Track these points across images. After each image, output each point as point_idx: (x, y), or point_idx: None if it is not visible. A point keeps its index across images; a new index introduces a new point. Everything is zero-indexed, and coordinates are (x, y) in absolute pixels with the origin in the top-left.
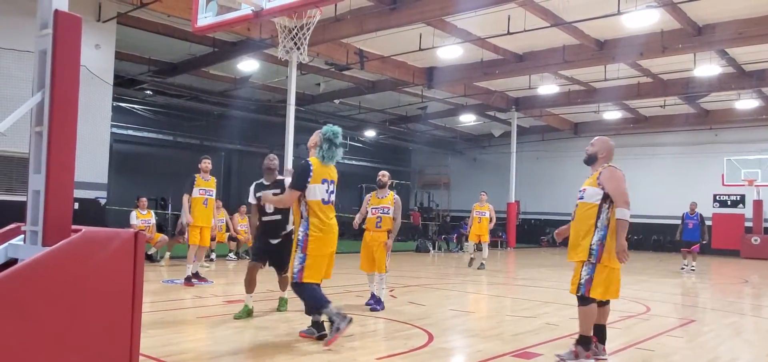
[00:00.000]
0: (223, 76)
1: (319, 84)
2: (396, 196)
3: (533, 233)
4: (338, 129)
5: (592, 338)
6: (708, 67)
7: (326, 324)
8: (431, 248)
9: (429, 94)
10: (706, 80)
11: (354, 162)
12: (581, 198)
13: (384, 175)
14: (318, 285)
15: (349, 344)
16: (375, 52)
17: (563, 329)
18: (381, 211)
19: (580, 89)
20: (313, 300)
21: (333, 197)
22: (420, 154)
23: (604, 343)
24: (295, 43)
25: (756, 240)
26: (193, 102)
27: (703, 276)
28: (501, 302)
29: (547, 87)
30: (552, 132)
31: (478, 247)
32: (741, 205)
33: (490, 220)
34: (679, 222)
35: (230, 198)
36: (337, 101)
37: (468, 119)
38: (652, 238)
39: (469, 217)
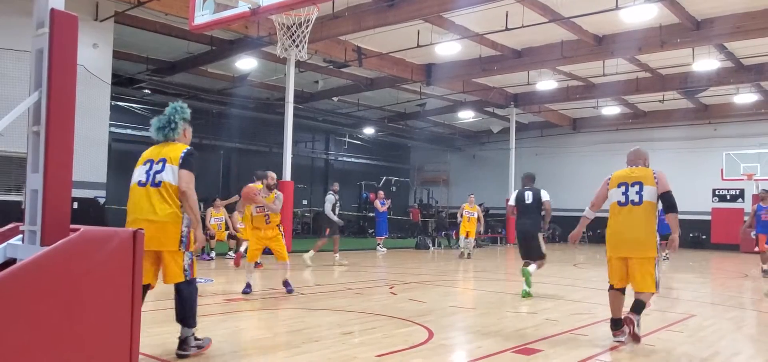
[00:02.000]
0: (221, 74)
1: (317, 81)
2: (278, 193)
3: None
4: (172, 106)
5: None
6: (706, 62)
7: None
8: (431, 245)
9: (427, 91)
10: (704, 75)
11: (353, 159)
12: (640, 199)
13: (272, 178)
14: None
15: (349, 341)
16: (373, 49)
17: (563, 324)
18: (267, 209)
19: (579, 84)
20: (194, 304)
21: (157, 177)
22: (419, 150)
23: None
24: (294, 41)
25: (754, 234)
26: (191, 100)
27: (702, 272)
28: (501, 298)
29: (546, 83)
30: (551, 128)
31: (467, 242)
32: (740, 200)
33: (478, 220)
34: (684, 217)
35: (230, 197)
36: (335, 99)
37: (467, 115)
38: None
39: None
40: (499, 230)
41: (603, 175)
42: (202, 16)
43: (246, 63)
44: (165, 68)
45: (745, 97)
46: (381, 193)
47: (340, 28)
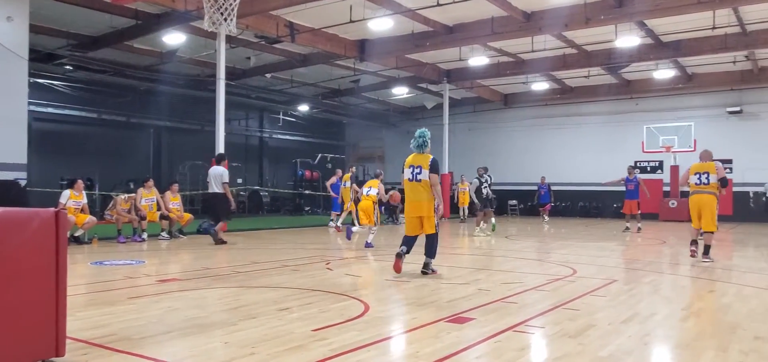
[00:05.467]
0: (148, 49)
1: (249, 58)
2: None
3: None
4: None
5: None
6: (628, 38)
7: None
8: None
9: (361, 67)
10: (626, 51)
11: (288, 137)
12: (707, 181)
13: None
14: None
15: (286, 317)
16: (306, 25)
17: (495, 294)
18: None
19: (509, 61)
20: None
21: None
22: (354, 127)
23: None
24: (222, 15)
25: (673, 203)
26: (117, 77)
27: (624, 239)
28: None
29: (477, 59)
30: (483, 103)
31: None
32: (660, 171)
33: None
34: (605, 188)
35: (161, 176)
36: (268, 75)
37: (401, 92)
38: (579, 205)
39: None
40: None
41: (534, 148)
42: None
43: (174, 38)
44: (87, 43)
45: (664, 72)
46: (339, 172)
47: (271, 3)
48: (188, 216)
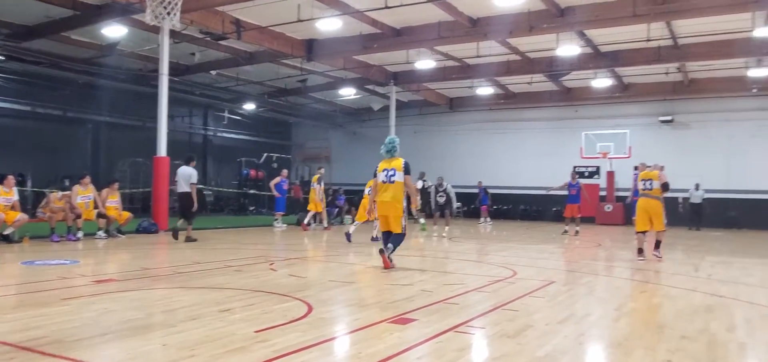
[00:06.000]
0: (87, 42)
1: (194, 54)
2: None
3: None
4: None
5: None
6: (569, 47)
7: None
8: (312, 221)
9: (308, 67)
10: (567, 59)
11: (233, 135)
12: (651, 187)
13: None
14: None
15: (228, 318)
16: (252, 22)
17: (438, 295)
18: None
19: (455, 65)
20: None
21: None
22: (301, 127)
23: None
24: (165, 8)
25: (609, 207)
26: (53, 69)
27: (563, 242)
28: (380, 272)
29: (424, 62)
30: (429, 106)
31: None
32: (597, 176)
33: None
34: (545, 192)
35: (99, 174)
36: (213, 72)
37: (348, 93)
38: (520, 208)
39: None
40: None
41: (478, 152)
42: None
43: (114, 30)
44: (21, 33)
45: (602, 81)
46: (284, 172)
47: None
48: (127, 214)
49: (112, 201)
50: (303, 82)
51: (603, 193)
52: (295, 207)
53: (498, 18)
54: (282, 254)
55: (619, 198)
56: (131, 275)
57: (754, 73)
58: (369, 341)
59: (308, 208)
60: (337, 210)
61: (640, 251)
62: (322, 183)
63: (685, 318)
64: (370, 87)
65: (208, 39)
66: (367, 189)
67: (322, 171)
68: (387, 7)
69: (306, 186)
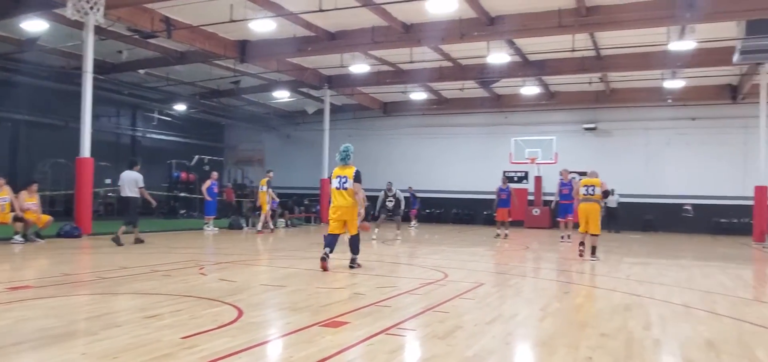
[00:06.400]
0: (4, 36)
1: (121, 52)
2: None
3: None
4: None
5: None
6: (499, 55)
7: None
8: (245, 225)
9: (242, 68)
10: (497, 67)
11: (163, 136)
12: (593, 192)
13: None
14: None
15: (153, 324)
16: (183, 21)
17: (370, 298)
18: None
19: (389, 70)
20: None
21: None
22: (233, 129)
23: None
24: (88, 3)
25: (537, 211)
26: None
27: (493, 245)
28: (313, 275)
29: (358, 66)
30: (363, 110)
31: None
32: (525, 181)
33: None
34: (477, 196)
35: (18, 175)
36: (142, 71)
37: (282, 95)
38: (452, 211)
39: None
40: (313, 209)
41: (412, 156)
42: None
43: (34, 25)
44: None
45: (530, 89)
46: (214, 174)
47: None
48: (47, 218)
49: (31, 203)
50: (236, 84)
51: (531, 198)
52: (228, 211)
53: (431, 24)
54: (213, 258)
55: (547, 203)
56: (50, 281)
57: (669, 84)
58: (300, 345)
59: (262, 211)
60: (270, 213)
61: (582, 244)
62: (269, 188)
63: (605, 317)
64: (304, 90)
65: (136, 37)
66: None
67: (272, 174)
68: (321, 11)
69: (239, 189)
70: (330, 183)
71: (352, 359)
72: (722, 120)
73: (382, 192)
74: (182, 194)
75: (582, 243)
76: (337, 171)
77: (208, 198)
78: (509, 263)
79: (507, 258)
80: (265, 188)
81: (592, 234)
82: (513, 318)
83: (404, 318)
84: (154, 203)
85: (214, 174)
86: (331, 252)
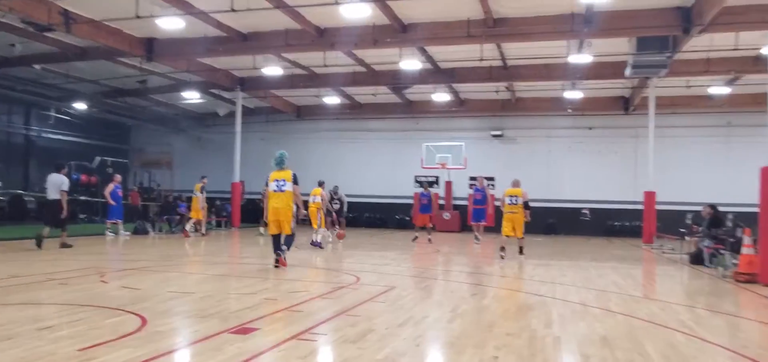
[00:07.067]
0: None
1: (14, 45)
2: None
3: (257, 213)
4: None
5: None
6: (411, 62)
7: None
8: (151, 229)
9: (149, 67)
10: (409, 73)
11: (61, 137)
12: (516, 202)
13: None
14: None
15: (48, 336)
16: (84, 15)
17: (281, 303)
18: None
19: (303, 73)
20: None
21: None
22: (140, 130)
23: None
24: None
25: (447, 215)
26: None
27: (404, 249)
28: (223, 281)
29: (272, 69)
30: (276, 114)
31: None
32: (436, 185)
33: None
34: (390, 200)
35: None
36: (38, 66)
37: (192, 96)
38: (365, 215)
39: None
40: (223, 213)
41: (326, 161)
42: None
43: None
44: None
45: (441, 95)
46: (117, 177)
47: None
48: None
49: None
50: (142, 83)
51: (442, 202)
52: (133, 215)
53: (344, 29)
54: (116, 265)
55: (457, 207)
56: None
57: (569, 94)
58: (207, 353)
59: (190, 215)
60: (177, 218)
61: (503, 249)
62: (204, 192)
63: (511, 317)
64: (215, 91)
65: (31, 29)
66: (311, 198)
67: (206, 180)
68: (233, 11)
69: (145, 192)
70: (267, 187)
71: None
72: (616, 129)
73: (328, 195)
74: (83, 198)
75: (503, 248)
76: (274, 175)
77: (111, 201)
78: (420, 266)
79: (418, 262)
80: (198, 194)
81: (519, 238)
82: (423, 320)
83: (316, 323)
84: (65, 211)
85: (118, 177)
86: (286, 249)
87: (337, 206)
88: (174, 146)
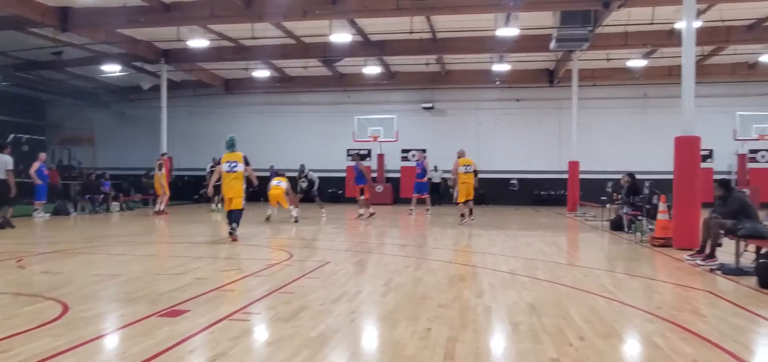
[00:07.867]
0: None
1: None
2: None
3: (187, 190)
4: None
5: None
6: (341, 35)
7: None
8: (73, 210)
9: (64, 38)
10: (340, 46)
11: None
12: (469, 170)
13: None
14: None
15: None
16: None
17: (213, 282)
18: None
19: (230, 46)
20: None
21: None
22: (57, 106)
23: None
24: None
25: (380, 188)
26: None
27: (337, 223)
28: (151, 262)
29: (197, 41)
30: (204, 87)
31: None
32: (368, 158)
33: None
34: (321, 174)
35: None
36: None
37: (112, 69)
38: (297, 190)
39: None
40: (150, 191)
41: (256, 136)
42: None
43: None
44: None
45: (372, 69)
46: (42, 156)
47: None
48: None
49: None
50: (58, 55)
51: (374, 175)
52: (53, 195)
53: (273, 0)
54: (35, 248)
55: (389, 180)
56: None
57: (497, 67)
58: (135, 338)
59: (157, 193)
60: (102, 196)
61: (463, 216)
62: (163, 170)
63: (443, 288)
64: (138, 64)
65: None
66: (275, 182)
67: (165, 158)
68: None
69: (64, 171)
70: (217, 166)
71: (193, 349)
72: (541, 101)
73: (297, 174)
74: None
75: (463, 215)
76: (226, 156)
77: (38, 181)
78: (354, 240)
79: (352, 236)
80: (158, 172)
81: (469, 201)
82: (357, 295)
83: (249, 302)
84: (14, 191)
85: (42, 155)
86: (236, 225)
87: (305, 184)
88: (96, 122)
